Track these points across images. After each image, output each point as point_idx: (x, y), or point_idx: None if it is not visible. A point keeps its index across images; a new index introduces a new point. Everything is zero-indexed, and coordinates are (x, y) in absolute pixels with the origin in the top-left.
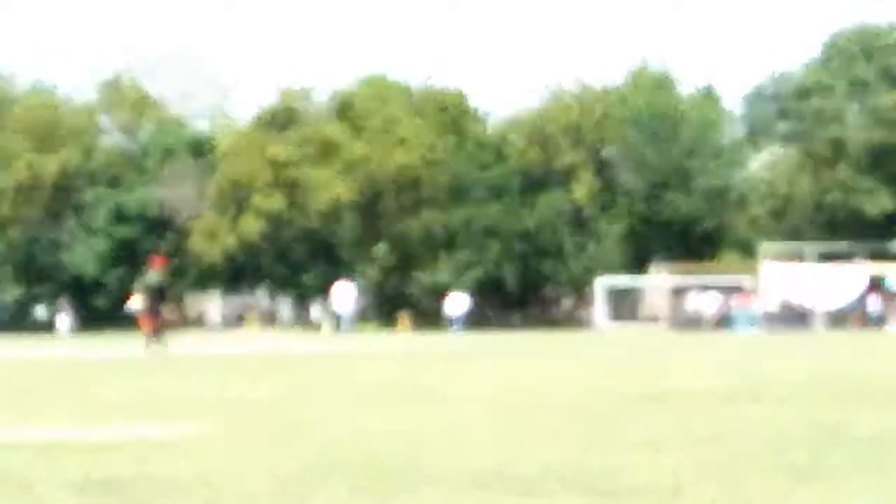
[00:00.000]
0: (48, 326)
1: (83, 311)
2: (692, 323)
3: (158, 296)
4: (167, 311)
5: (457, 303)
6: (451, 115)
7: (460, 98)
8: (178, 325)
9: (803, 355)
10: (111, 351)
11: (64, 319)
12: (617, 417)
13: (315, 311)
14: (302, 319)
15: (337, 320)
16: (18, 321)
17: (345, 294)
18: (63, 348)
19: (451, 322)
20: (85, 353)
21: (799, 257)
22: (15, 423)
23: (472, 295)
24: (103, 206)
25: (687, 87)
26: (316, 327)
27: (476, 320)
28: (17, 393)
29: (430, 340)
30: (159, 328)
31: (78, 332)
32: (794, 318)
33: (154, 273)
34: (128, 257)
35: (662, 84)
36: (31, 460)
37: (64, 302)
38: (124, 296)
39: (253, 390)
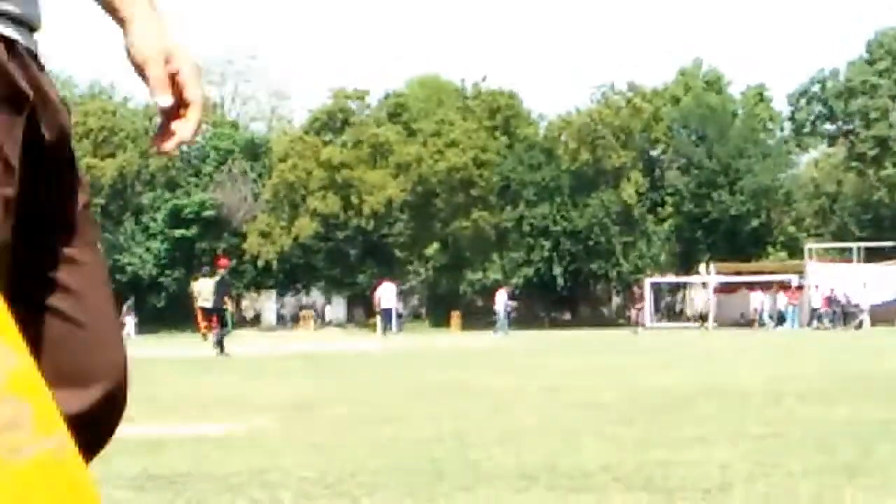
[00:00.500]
0: None
1: (141, 312)
2: (740, 321)
3: (223, 295)
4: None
5: (499, 300)
6: (503, 116)
7: (513, 99)
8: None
9: (850, 352)
10: (168, 350)
11: (129, 322)
12: (667, 414)
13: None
14: (356, 319)
15: (387, 320)
16: None
17: (388, 294)
18: (132, 348)
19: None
20: (142, 351)
21: (845, 255)
22: None
23: (521, 294)
24: (161, 208)
25: (736, 86)
26: (370, 326)
27: (526, 319)
28: None
29: (481, 339)
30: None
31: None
32: (840, 315)
33: (221, 273)
34: (185, 258)
35: (712, 84)
36: None
37: (129, 304)
38: (190, 295)
39: (307, 389)
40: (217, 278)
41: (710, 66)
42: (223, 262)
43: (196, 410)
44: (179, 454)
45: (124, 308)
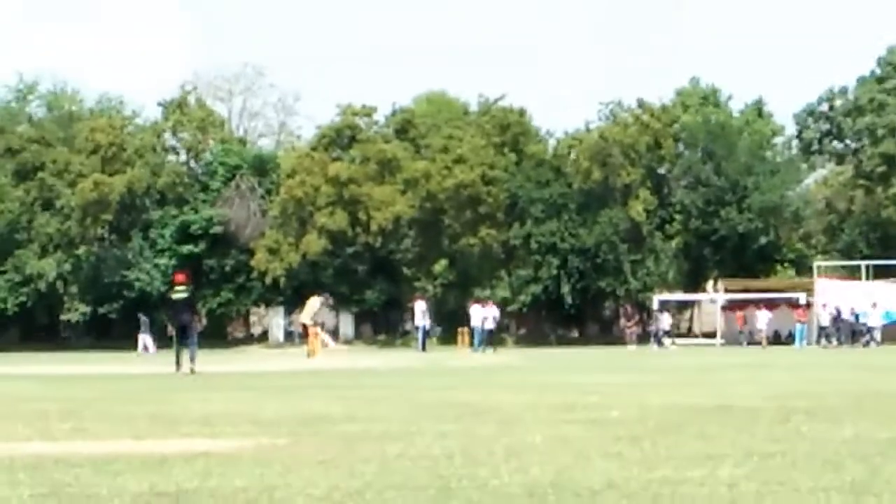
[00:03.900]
0: (121, 343)
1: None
2: (748, 338)
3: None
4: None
5: (476, 314)
6: (512, 133)
7: (523, 117)
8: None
9: (858, 370)
10: (174, 366)
11: (143, 339)
12: (674, 432)
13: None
14: (363, 335)
15: (423, 336)
16: (84, 338)
17: (421, 310)
18: (142, 365)
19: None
20: (148, 368)
21: (853, 273)
22: (79, 438)
23: (529, 311)
24: (169, 224)
25: (738, 103)
26: (378, 343)
27: (534, 337)
28: (80, 409)
29: (490, 356)
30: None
31: (132, 349)
32: (848, 333)
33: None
34: (193, 275)
35: (711, 100)
36: (96, 474)
37: (144, 322)
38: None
39: (315, 406)
40: (186, 294)
41: (708, 84)
42: (181, 277)
43: (203, 427)
44: (186, 471)
45: (142, 326)
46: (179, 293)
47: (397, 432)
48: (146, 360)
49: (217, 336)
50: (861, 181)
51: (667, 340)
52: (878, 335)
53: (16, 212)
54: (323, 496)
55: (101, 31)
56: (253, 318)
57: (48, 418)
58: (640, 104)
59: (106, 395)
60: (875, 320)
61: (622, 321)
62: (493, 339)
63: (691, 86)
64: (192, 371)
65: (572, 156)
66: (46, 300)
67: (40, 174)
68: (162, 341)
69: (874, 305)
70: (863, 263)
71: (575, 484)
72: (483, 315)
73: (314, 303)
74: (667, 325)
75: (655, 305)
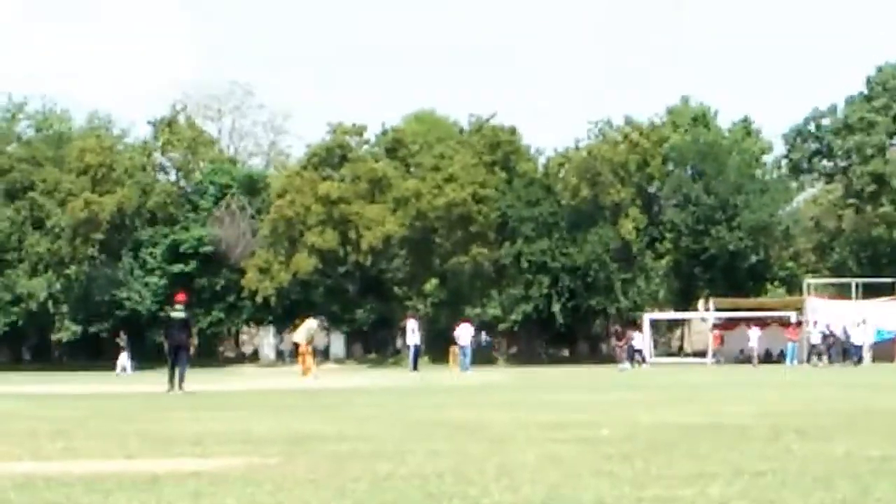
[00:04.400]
0: (112, 362)
1: (139, 347)
2: (738, 357)
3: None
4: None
5: (463, 333)
6: (503, 151)
7: (514, 135)
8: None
9: (849, 389)
10: (165, 385)
11: (123, 357)
12: (665, 450)
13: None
14: (354, 354)
15: (414, 355)
16: (75, 357)
17: (411, 329)
18: (121, 384)
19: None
20: (139, 387)
21: (844, 292)
22: (71, 458)
23: (520, 330)
24: (159, 243)
25: (725, 121)
26: (369, 361)
27: (524, 355)
28: (71, 428)
29: (480, 375)
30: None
31: (104, 370)
32: (839, 352)
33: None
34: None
35: (701, 119)
36: (87, 493)
37: (123, 340)
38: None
39: (306, 425)
40: (185, 315)
41: (698, 103)
42: (181, 297)
43: (194, 446)
44: (177, 490)
45: (121, 344)
46: (179, 312)
47: (388, 451)
48: (125, 381)
49: (208, 355)
50: (851, 200)
51: (640, 363)
52: (867, 353)
53: (6, 231)
54: None
55: (90, 49)
56: (243, 338)
57: (39, 437)
58: (629, 122)
59: (97, 414)
60: (864, 338)
61: (612, 340)
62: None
63: (682, 104)
64: (182, 389)
65: (561, 174)
66: (37, 320)
67: (30, 193)
68: (143, 362)
69: (863, 322)
70: (853, 282)
71: (566, 502)
72: (471, 333)
73: (310, 324)
74: (639, 344)
75: (646, 324)
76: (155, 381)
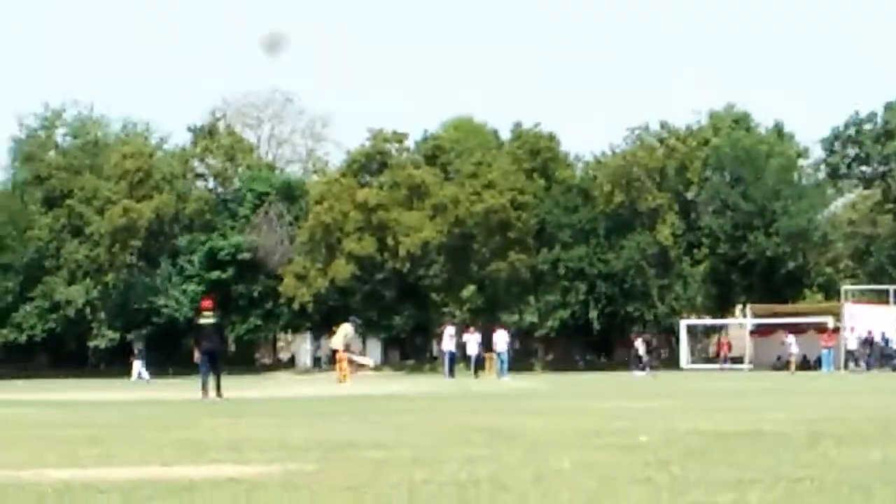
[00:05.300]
0: (149, 369)
1: (176, 354)
2: (776, 363)
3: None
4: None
5: (499, 339)
6: (542, 158)
7: (552, 142)
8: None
9: (887, 395)
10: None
11: (137, 365)
12: (702, 457)
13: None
14: (391, 361)
15: (450, 361)
16: (112, 364)
17: (449, 335)
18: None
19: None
20: (176, 394)
21: (881, 298)
22: (107, 464)
23: (557, 336)
24: (197, 250)
25: (763, 127)
26: (407, 368)
27: (561, 362)
28: (108, 435)
29: (517, 382)
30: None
31: (156, 376)
32: (877, 357)
33: (215, 315)
34: (221, 301)
35: (742, 123)
36: (125, 500)
37: (139, 347)
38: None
39: (343, 432)
40: (215, 320)
41: (740, 108)
42: (208, 303)
43: (231, 452)
44: (214, 497)
45: (136, 352)
46: (208, 318)
47: (425, 458)
48: (142, 388)
49: (245, 362)
50: (889, 205)
51: (643, 369)
52: None
53: (45, 239)
54: None
55: (129, 56)
56: (280, 344)
57: (76, 444)
58: (664, 126)
59: (133, 421)
60: None
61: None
62: (480, 364)
63: (725, 110)
64: (221, 396)
65: (598, 180)
66: (75, 327)
67: (68, 201)
68: (180, 369)
69: None
70: (891, 288)
71: None
72: (506, 339)
73: (346, 328)
74: (643, 351)
75: (683, 330)
76: (190, 388)
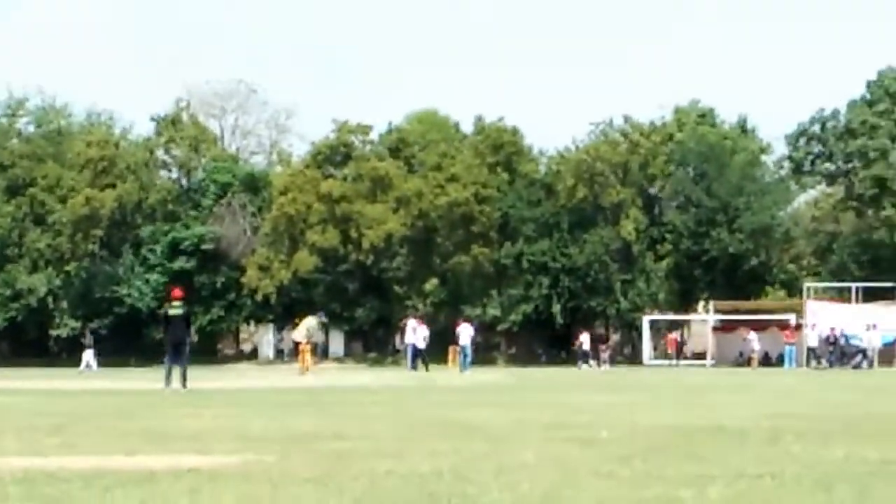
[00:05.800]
0: (111, 359)
1: (138, 344)
2: (738, 359)
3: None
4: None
5: (463, 333)
6: (506, 152)
7: (516, 136)
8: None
9: (848, 392)
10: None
11: (88, 354)
12: (664, 452)
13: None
14: (353, 353)
15: (412, 354)
16: (74, 353)
17: (411, 328)
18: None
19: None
20: (139, 384)
21: (843, 295)
22: (69, 453)
23: (520, 331)
24: (160, 240)
25: (725, 123)
26: (368, 360)
27: (524, 356)
28: (70, 424)
29: (480, 375)
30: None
31: (118, 366)
32: (839, 355)
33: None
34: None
35: (707, 121)
36: (86, 488)
37: (88, 337)
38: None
39: (304, 423)
40: (183, 311)
41: (705, 104)
42: (178, 293)
43: (192, 442)
44: (175, 486)
45: (87, 341)
46: (176, 309)
47: (387, 450)
48: (89, 377)
49: (207, 353)
50: (852, 203)
51: (589, 363)
52: (874, 357)
53: (6, 227)
54: None
55: (91, 45)
56: (243, 335)
57: (38, 433)
58: (628, 121)
59: (96, 410)
60: (872, 342)
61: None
62: (424, 358)
63: (690, 106)
64: (185, 387)
65: (561, 174)
66: (37, 315)
67: (31, 189)
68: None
69: (874, 327)
70: (853, 285)
71: (565, 502)
72: (413, 333)
73: (310, 322)
74: (587, 345)
75: (645, 326)
76: (154, 378)
